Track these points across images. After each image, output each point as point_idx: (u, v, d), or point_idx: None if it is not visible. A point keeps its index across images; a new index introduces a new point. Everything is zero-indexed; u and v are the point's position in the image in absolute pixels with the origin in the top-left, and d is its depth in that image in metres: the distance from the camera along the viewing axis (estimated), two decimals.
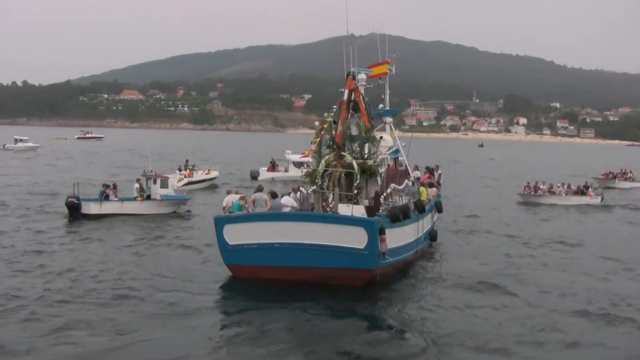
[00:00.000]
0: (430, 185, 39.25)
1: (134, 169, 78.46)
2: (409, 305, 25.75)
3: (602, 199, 63.24)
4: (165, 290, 26.03)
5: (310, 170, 31.37)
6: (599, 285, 29.55)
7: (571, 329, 23.02)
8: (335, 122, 32.00)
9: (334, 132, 31.66)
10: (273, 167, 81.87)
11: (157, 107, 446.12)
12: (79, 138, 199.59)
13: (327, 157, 30.72)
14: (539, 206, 60.12)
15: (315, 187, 30.00)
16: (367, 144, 31.76)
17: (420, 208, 32.88)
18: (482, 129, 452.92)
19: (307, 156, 33.17)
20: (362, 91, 34.50)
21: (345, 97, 32.20)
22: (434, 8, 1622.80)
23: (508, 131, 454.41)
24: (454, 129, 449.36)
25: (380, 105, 41.37)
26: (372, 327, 22.84)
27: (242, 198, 30.01)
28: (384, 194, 29.98)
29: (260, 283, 27.14)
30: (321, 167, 30.44)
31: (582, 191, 63.70)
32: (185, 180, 65.20)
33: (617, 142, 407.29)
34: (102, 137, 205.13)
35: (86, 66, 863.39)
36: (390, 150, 36.76)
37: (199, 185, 66.41)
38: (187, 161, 74.34)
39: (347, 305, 24.96)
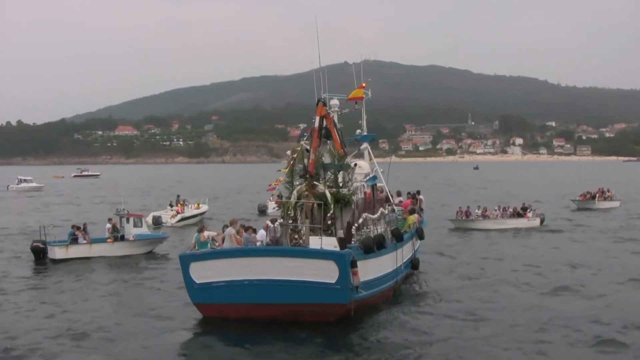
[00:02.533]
0: (412, 211, 37.99)
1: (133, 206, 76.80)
2: (384, 339, 24.55)
3: (542, 221, 60.03)
4: (130, 335, 24.87)
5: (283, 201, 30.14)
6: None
7: None
8: (307, 151, 30.82)
9: (306, 161, 30.48)
10: (280, 199, 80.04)
11: (152, 142, 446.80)
12: (75, 176, 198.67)
13: (299, 187, 29.55)
14: (471, 232, 56.37)
15: (282, 219, 28.75)
16: (341, 172, 30.58)
17: (398, 236, 31.60)
18: (478, 150, 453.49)
19: (273, 188, 31.83)
20: (335, 117, 33.46)
21: (317, 124, 30.99)
22: (426, 32, 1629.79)
23: (504, 152, 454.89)
24: (450, 152, 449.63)
25: (358, 131, 39.95)
26: None
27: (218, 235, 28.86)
28: (356, 224, 28.60)
29: (231, 322, 26.00)
30: (293, 198, 29.25)
31: (519, 213, 60.05)
32: (179, 217, 64.10)
33: (614, 158, 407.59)
34: (98, 175, 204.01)
35: (81, 104, 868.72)
36: (367, 178, 35.48)
37: (192, 220, 64.99)
38: (178, 196, 72.70)
39: (320, 341, 24.06)
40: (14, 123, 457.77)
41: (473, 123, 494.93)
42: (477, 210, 60.69)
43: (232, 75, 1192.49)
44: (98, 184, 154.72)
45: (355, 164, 34.22)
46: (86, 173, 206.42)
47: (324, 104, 31.34)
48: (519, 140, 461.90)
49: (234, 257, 26.51)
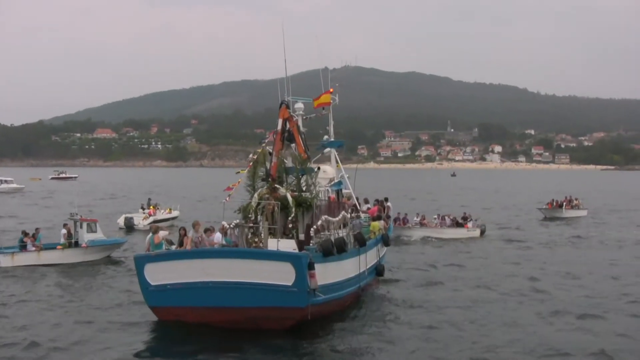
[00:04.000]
0: (377, 217, 37.59)
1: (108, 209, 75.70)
2: (341, 347, 24.19)
3: (483, 231, 58.43)
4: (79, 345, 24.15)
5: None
6: None
7: None
8: (270, 154, 30.37)
9: (268, 164, 30.02)
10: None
11: (130, 145, 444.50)
12: (53, 178, 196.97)
13: (259, 190, 29.08)
14: (408, 239, 54.86)
15: (238, 221, 28.26)
16: (304, 176, 30.15)
17: (361, 241, 31.10)
18: (457, 158, 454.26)
19: (231, 189, 31.27)
20: (300, 121, 33.13)
21: (280, 126, 30.60)
22: (408, 39, 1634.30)
23: (483, 159, 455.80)
24: (429, 159, 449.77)
25: (325, 137, 39.48)
26: None
27: (169, 242, 28.30)
28: (315, 227, 28.05)
29: (187, 326, 25.48)
30: (254, 201, 28.78)
31: (458, 223, 58.34)
32: (151, 219, 63.32)
33: (592, 166, 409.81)
34: (76, 177, 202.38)
35: (61, 106, 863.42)
36: (332, 183, 35.05)
37: (164, 224, 64.37)
38: (149, 199, 73.22)
39: (275, 346, 23.77)
40: None
41: (452, 130, 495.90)
42: (415, 218, 59.08)
43: (213, 79, 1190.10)
44: (78, 186, 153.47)
45: (319, 168, 33.81)
46: (64, 175, 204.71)
47: (287, 107, 30.99)
48: (498, 148, 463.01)
49: (190, 259, 25.95)
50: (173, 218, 68.21)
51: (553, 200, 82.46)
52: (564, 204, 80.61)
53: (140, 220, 62.85)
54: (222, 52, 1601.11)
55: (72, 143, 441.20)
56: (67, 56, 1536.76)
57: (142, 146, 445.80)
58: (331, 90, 37.88)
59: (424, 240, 54.92)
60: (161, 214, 67.14)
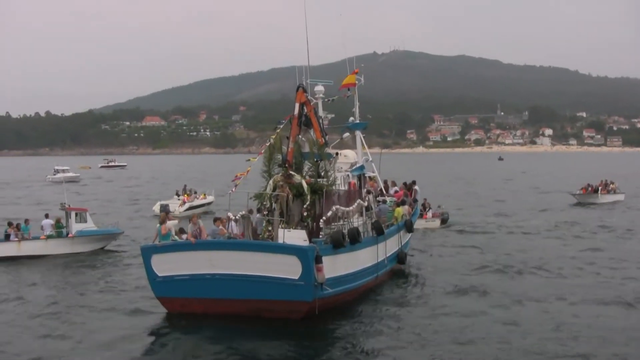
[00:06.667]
0: (402, 203, 36.44)
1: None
2: (350, 339, 23.35)
3: (445, 221, 53.62)
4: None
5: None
6: None
7: None
8: (287, 138, 29.42)
9: (285, 149, 29.09)
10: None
11: (179, 133, 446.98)
12: (102, 167, 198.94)
13: (274, 177, 28.18)
14: None
15: (244, 212, 27.43)
16: (321, 162, 29.18)
17: (379, 229, 30.04)
18: (507, 141, 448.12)
19: (239, 178, 30.40)
20: (320, 104, 32.16)
21: (296, 111, 29.63)
22: (456, 22, 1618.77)
23: (533, 143, 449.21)
24: (478, 142, 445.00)
25: (351, 119, 38.40)
26: None
27: (180, 230, 27.62)
28: (324, 217, 27.04)
29: (196, 317, 25.12)
30: (269, 188, 27.92)
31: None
32: (187, 205, 63.49)
33: None
34: (125, 165, 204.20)
35: (111, 95, 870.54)
36: (353, 168, 34.00)
37: (199, 210, 64.27)
38: (185, 186, 73.12)
39: (283, 339, 23.02)
40: (42, 114, 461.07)
41: (502, 113, 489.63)
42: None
43: (261, 66, 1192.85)
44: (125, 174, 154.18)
45: (337, 153, 32.80)
46: (113, 163, 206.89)
47: (304, 90, 30.03)
48: (549, 131, 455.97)
49: (197, 250, 25.40)
50: (208, 203, 68.13)
51: (588, 184, 77.45)
52: (600, 188, 75.57)
53: (176, 207, 62.50)
54: (271, 39, 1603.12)
55: (121, 131, 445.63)
56: (115, 45, 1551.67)
57: (191, 133, 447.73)
58: (356, 70, 36.86)
59: None
60: (196, 200, 66.85)
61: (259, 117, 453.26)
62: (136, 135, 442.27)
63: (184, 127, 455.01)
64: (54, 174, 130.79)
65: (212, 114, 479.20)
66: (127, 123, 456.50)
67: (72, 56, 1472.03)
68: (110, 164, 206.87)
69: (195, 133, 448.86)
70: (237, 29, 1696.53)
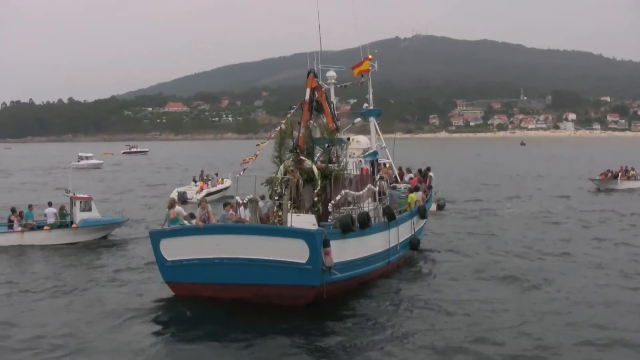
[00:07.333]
0: (415, 189, 36.29)
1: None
2: (356, 325, 23.30)
3: (441, 206, 51.76)
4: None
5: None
6: None
7: None
8: (298, 124, 29.43)
9: (296, 134, 29.10)
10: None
11: (201, 118, 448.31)
12: (124, 153, 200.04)
13: (285, 162, 28.17)
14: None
15: (250, 196, 27.37)
16: (332, 147, 29.15)
17: (391, 215, 29.89)
18: (530, 126, 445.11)
19: (247, 162, 30.40)
20: (332, 90, 32.08)
21: (307, 96, 29.61)
22: (479, 7, 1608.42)
23: (557, 128, 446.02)
24: (501, 127, 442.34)
25: (365, 105, 38.21)
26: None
27: (190, 215, 27.65)
28: (333, 202, 26.99)
29: (203, 302, 25.15)
30: (280, 173, 27.91)
31: None
32: (205, 192, 63.28)
33: None
34: (147, 151, 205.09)
35: (134, 81, 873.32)
36: (366, 153, 33.84)
37: (217, 196, 64.59)
38: (202, 172, 72.90)
39: (292, 324, 23.07)
40: (65, 100, 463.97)
41: (525, 98, 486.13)
42: None
43: (284, 52, 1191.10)
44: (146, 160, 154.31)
45: (349, 138, 32.69)
46: (135, 150, 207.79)
47: (315, 75, 29.96)
48: (572, 116, 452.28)
49: (205, 235, 25.50)
50: (225, 188, 68.14)
51: (607, 170, 75.94)
52: (619, 174, 73.88)
53: (194, 194, 62.48)
54: (293, 24, 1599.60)
55: (143, 117, 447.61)
56: (137, 31, 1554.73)
57: (213, 119, 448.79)
58: (370, 56, 36.57)
59: None
60: (213, 186, 66.95)
61: (281, 103, 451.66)
62: (158, 121, 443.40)
63: (206, 113, 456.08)
64: (78, 161, 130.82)
65: (234, 100, 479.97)
66: (150, 109, 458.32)
67: (96, 44, 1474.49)
68: (132, 149, 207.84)
69: (217, 119, 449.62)
70: (260, 15, 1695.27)
